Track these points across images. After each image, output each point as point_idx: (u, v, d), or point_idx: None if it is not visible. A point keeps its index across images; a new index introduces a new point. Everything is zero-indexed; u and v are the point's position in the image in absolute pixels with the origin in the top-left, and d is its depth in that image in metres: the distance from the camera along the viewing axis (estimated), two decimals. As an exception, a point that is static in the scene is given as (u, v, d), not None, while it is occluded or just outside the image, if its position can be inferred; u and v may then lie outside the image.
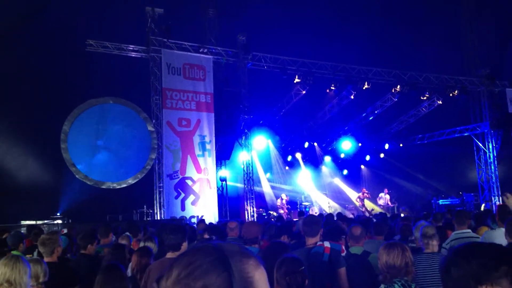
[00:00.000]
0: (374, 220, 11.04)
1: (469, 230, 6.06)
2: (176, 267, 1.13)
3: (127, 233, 7.16)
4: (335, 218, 12.19)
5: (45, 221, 15.56)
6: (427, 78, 22.15)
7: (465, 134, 24.24)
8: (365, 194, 23.62)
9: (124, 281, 3.78)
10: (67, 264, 5.38)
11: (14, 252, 5.65)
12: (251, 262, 1.17)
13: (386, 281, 3.54)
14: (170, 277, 1.12)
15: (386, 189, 23.69)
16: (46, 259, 4.73)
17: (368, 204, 23.67)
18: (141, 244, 5.63)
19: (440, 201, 22.98)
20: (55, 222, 15.55)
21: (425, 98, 22.68)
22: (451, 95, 22.15)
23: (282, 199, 21.45)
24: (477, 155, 24.23)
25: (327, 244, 4.63)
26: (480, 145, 23.96)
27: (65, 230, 9.67)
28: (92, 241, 5.74)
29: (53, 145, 15.79)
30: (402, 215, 19.36)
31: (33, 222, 14.65)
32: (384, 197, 23.26)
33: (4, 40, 16.61)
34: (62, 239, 6.36)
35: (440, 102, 23.10)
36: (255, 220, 17.24)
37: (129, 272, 4.78)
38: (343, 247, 4.97)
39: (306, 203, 23.03)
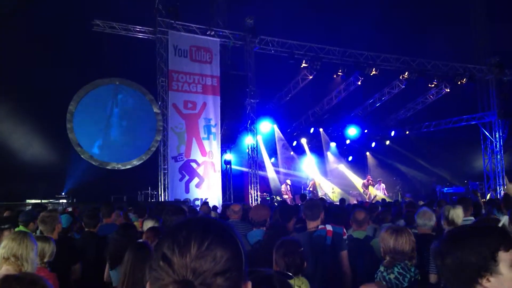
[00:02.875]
0: (380, 207, 11.05)
1: (472, 218, 6.04)
2: (193, 241, 1.12)
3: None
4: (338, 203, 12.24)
5: (50, 200, 15.68)
6: (435, 66, 21.99)
7: (472, 123, 24.12)
8: (369, 181, 23.70)
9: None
10: (68, 242, 5.41)
11: (22, 229, 5.67)
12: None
13: (390, 265, 3.53)
14: (189, 252, 1.10)
15: (380, 180, 23.87)
16: (47, 237, 4.75)
17: (372, 191, 23.69)
18: (145, 223, 5.64)
19: (445, 189, 22.96)
20: (60, 201, 15.67)
21: (433, 85, 22.55)
22: (459, 83, 22.01)
23: (286, 184, 21.49)
24: (484, 144, 24.14)
25: (329, 227, 4.63)
26: (487, 134, 23.85)
27: (70, 209, 9.73)
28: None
29: (58, 125, 15.82)
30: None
31: (38, 201, 14.76)
32: (380, 188, 23.48)
33: (10, 19, 16.56)
34: (66, 217, 6.40)
35: (448, 90, 22.97)
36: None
37: None
38: (344, 230, 4.96)
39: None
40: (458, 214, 4.68)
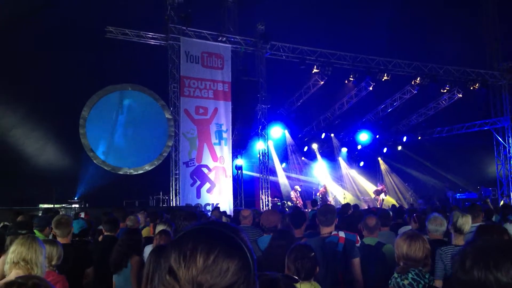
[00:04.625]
0: (391, 213, 10.97)
1: (483, 223, 5.99)
2: (199, 254, 1.10)
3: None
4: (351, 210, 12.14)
5: (63, 205, 15.80)
6: (447, 71, 21.87)
7: (485, 128, 23.91)
8: (383, 189, 23.62)
9: None
10: (83, 245, 5.46)
11: (37, 233, 5.72)
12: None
13: (403, 272, 3.51)
14: (195, 266, 1.08)
15: (379, 184, 24.42)
16: (61, 240, 4.79)
17: (385, 198, 23.59)
18: (158, 228, 5.66)
19: (458, 195, 22.78)
20: (73, 206, 15.79)
21: (445, 90, 22.44)
22: (471, 88, 21.87)
23: (296, 190, 21.40)
24: (497, 150, 23.92)
25: (342, 234, 4.61)
26: (500, 139, 23.63)
27: (83, 214, 9.79)
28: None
29: (71, 131, 15.97)
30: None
31: (51, 206, 14.88)
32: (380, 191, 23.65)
33: (25, 25, 16.77)
34: (80, 222, 6.45)
35: (461, 95, 22.83)
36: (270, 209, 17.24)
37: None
38: (358, 238, 4.94)
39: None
40: (463, 223, 4.66)
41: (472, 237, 3.61)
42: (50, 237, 5.59)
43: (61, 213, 8.98)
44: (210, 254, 1.09)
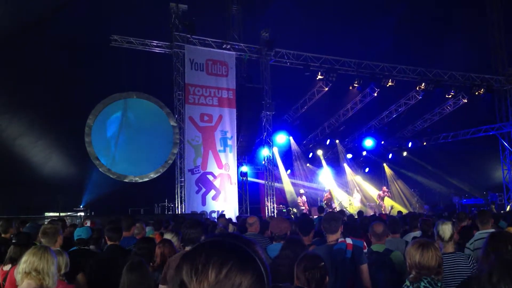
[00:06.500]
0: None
1: (493, 230, 5.94)
2: (211, 267, 1.07)
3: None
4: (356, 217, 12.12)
5: (69, 213, 15.83)
6: (452, 76, 21.84)
7: (490, 133, 23.83)
8: (385, 192, 23.51)
9: (148, 280, 3.69)
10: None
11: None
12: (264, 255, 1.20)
13: (416, 280, 3.48)
14: (207, 280, 1.06)
15: (355, 189, 24.40)
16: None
17: (388, 202, 23.49)
18: (165, 237, 5.65)
19: (464, 201, 22.67)
20: (78, 214, 15.81)
21: (450, 96, 22.38)
22: (476, 93, 21.80)
23: (301, 195, 21.38)
24: (502, 155, 23.82)
25: (349, 240, 4.59)
26: (506, 144, 23.55)
27: (88, 223, 9.79)
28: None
29: (77, 139, 16.02)
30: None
31: (56, 214, 14.91)
32: (358, 196, 23.59)
33: (30, 35, 16.87)
34: (86, 229, 6.44)
35: (466, 101, 22.77)
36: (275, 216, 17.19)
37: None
38: (365, 244, 4.92)
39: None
40: (444, 230, 4.65)
41: (484, 245, 3.57)
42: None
43: (67, 221, 9.00)
44: (222, 268, 1.07)
